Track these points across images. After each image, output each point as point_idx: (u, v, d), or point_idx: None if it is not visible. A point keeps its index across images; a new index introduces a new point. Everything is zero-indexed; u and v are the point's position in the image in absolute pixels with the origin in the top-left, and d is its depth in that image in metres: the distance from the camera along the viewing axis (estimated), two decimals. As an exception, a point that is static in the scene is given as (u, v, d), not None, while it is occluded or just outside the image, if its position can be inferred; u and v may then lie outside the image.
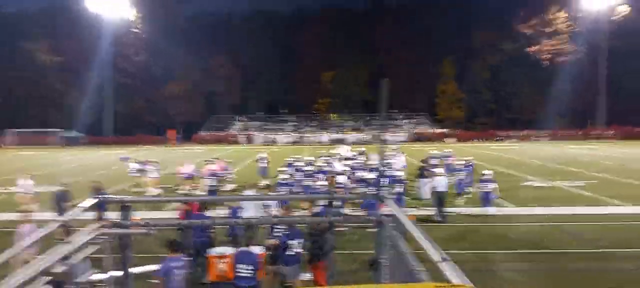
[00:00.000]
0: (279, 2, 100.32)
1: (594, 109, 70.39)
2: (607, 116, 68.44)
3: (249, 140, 67.78)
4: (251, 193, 13.87)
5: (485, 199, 15.81)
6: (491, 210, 15.17)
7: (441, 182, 15.45)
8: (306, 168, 18.81)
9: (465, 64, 76.72)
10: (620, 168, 28.80)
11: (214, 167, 20.60)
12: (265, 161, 23.36)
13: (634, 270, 10.56)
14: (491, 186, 15.86)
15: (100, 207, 12.14)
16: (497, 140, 66.48)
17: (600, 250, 11.92)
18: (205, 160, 21.96)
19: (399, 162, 22.13)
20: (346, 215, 10.68)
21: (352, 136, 65.88)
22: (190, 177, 20.93)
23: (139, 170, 21.99)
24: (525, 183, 23.31)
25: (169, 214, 15.28)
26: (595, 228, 14.12)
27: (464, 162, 19.63)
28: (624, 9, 68.80)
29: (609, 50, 67.71)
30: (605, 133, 64.60)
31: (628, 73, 67.51)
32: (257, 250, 7.91)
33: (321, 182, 15.64)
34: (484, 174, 16.65)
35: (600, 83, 68.41)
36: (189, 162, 22.56)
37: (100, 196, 12.70)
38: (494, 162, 33.58)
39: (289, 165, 19.93)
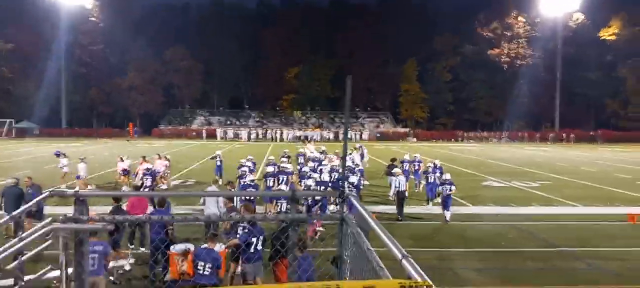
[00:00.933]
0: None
1: (550, 113, 72.79)
2: (561, 119, 70.92)
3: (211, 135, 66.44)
4: (213, 190, 13.67)
5: (446, 203, 16.05)
6: (448, 215, 14.90)
7: (401, 181, 15.62)
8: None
9: (427, 65, 77.90)
10: (573, 170, 29.89)
11: (149, 164, 19.31)
12: (219, 159, 21.84)
13: (587, 268, 10.95)
14: (451, 189, 16.05)
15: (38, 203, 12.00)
16: (457, 140, 67.90)
17: (555, 249, 12.31)
18: (142, 157, 20.74)
19: (357, 157, 22.55)
20: (310, 213, 10.67)
21: (315, 133, 65.89)
22: (126, 173, 20.14)
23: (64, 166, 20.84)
24: (485, 183, 23.87)
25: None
26: (550, 228, 14.60)
27: (431, 165, 18.93)
28: (579, 16, 71.52)
29: (562, 56, 70.22)
30: (559, 135, 66.87)
31: (580, 79, 70.12)
32: (217, 247, 7.81)
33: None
34: (444, 178, 16.94)
35: (554, 87, 70.80)
36: (127, 157, 21.70)
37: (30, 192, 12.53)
38: (454, 162, 34.25)
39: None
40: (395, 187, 15.75)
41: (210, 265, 7.25)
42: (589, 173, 28.55)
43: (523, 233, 13.95)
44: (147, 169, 17.74)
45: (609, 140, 62.88)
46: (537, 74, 70.78)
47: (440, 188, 15.83)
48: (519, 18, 74.53)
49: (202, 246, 7.60)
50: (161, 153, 22.56)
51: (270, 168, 17.41)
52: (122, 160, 20.74)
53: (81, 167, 19.76)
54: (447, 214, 14.95)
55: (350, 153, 23.12)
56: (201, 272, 7.23)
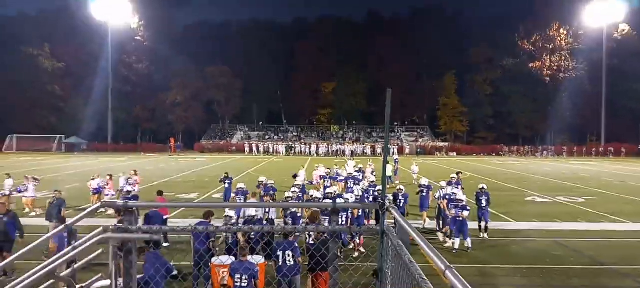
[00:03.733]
0: (277, 11, 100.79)
1: (594, 126, 70.42)
2: (606, 133, 68.46)
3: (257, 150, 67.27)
4: (254, 202, 13.84)
5: (421, 205, 16.00)
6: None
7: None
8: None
9: (465, 78, 76.91)
10: (620, 185, 28.79)
11: (98, 182, 19.44)
12: (228, 182, 19.81)
13: (634, 286, 10.52)
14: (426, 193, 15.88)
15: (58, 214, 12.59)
16: (499, 154, 66.49)
17: (601, 267, 11.87)
18: (109, 175, 20.47)
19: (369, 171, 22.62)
20: (350, 225, 10.69)
21: (352, 147, 65.88)
22: (97, 192, 19.26)
23: (17, 190, 18.48)
24: (528, 199, 23.27)
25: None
26: (597, 245, 14.09)
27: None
28: (624, 27, 69.24)
29: (607, 68, 67.87)
30: (605, 150, 64.59)
31: (626, 91, 67.66)
32: (256, 259, 7.90)
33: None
34: (420, 184, 16.89)
35: (599, 100, 68.40)
36: (98, 175, 20.91)
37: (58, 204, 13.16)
38: (495, 177, 33.55)
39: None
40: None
41: (246, 277, 7.37)
42: (636, 188, 27.41)
43: (568, 250, 13.51)
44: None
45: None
46: (580, 87, 68.68)
47: (453, 210, 13.46)
48: (561, 30, 72.78)
49: (239, 259, 7.72)
50: (131, 171, 21.95)
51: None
52: (93, 178, 20.05)
53: (7, 183, 18.48)
54: (468, 241, 13.19)
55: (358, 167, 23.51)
56: (239, 284, 7.35)
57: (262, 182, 17.43)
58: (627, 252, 13.22)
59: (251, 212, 10.85)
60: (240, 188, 16.38)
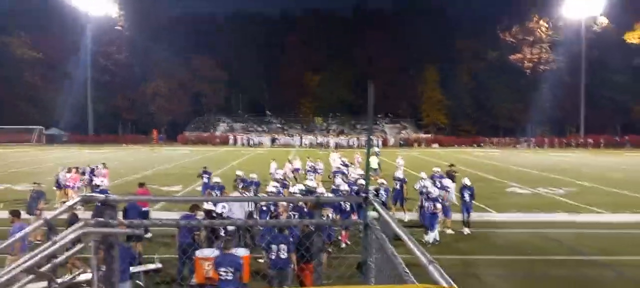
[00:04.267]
0: (263, 3, 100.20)
1: (574, 117, 71.42)
2: (586, 124, 69.49)
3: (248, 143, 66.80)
4: (238, 195, 13.79)
5: (395, 199, 16.17)
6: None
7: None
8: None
9: (448, 70, 77.37)
10: (599, 177, 29.31)
11: (68, 175, 18.27)
12: (206, 177, 18.86)
13: (615, 277, 10.75)
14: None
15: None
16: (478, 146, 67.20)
17: (581, 257, 12.11)
18: (75, 168, 19.33)
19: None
20: (334, 219, 10.71)
21: (337, 139, 66.05)
22: (61, 186, 18.17)
23: None
24: (509, 190, 23.58)
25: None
26: (576, 235, 14.35)
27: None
28: (603, 20, 70.23)
29: (587, 60, 68.73)
30: (585, 141, 65.62)
31: (605, 83, 68.72)
32: (240, 252, 7.90)
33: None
34: (395, 177, 17.02)
35: (579, 92, 69.28)
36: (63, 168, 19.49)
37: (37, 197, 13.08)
38: (476, 167, 33.92)
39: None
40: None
41: (232, 270, 7.37)
42: (615, 179, 27.94)
43: (549, 240, 13.74)
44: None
45: (635, 146, 61.48)
46: (560, 79, 69.52)
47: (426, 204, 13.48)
48: (541, 22, 73.55)
49: (224, 251, 7.71)
50: (99, 164, 21.24)
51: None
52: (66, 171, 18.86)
53: None
54: (431, 235, 13.08)
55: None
56: (223, 277, 7.36)
57: (239, 175, 17.09)
58: (606, 243, 13.49)
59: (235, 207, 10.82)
60: (216, 182, 16.25)
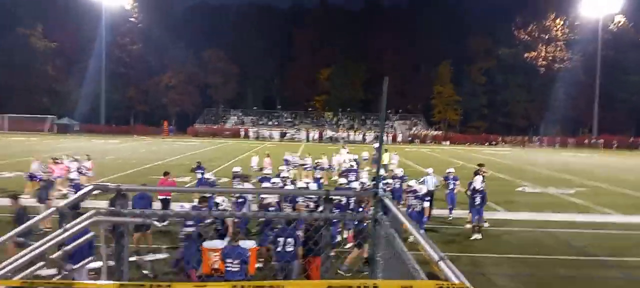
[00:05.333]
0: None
1: (588, 117, 70.63)
2: (600, 125, 68.71)
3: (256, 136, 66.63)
4: (248, 186, 13.84)
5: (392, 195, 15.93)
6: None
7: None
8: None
9: (461, 68, 76.88)
10: (612, 177, 29.02)
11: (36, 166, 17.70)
12: (201, 172, 18.41)
13: (623, 278, 10.64)
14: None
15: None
16: (490, 144, 66.74)
17: (588, 258, 12.01)
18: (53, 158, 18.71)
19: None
20: (342, 212, 10.67)
21: (347, 135, 65.96)
22: (34, 178, 17.29)
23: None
24: (520, 189, 23.41)
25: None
26: (586, 236, 14.22)
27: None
28: (620, 19, 69.20)
29: (602, 59, 67.82)
30: (598, 141, 64.90)
31: (621, 83, 67.85)
32: (247, 244, 7.93)
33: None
34: (394, 175, 16.84)
35: (593, 92, 68.44)
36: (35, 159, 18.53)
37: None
38: (487, 166, 33.68)
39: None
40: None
41: (237, 262, 7.42)
42: (627, 180, 27.64)
43: (558, 240, 13.63)
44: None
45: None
46: (575, 78, 68.76)
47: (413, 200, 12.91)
48: (557, 21, 72.73)
49: (231, 244, 7.75)
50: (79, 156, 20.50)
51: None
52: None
53: None
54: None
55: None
56: (230, 268, 7.41)
57: (237, 172, 16.60)
58: (615, 244, 13.37)
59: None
60: (207, 179, 16.20)
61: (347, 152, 26.62)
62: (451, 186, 16.07)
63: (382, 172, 22.91)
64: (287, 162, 21.47)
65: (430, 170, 16.85)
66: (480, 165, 18.37)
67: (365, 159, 26.84)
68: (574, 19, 71.18)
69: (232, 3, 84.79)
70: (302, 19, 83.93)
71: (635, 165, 39.16)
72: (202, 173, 18.03)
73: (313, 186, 15.60)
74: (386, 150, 26.79)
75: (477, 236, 13.36)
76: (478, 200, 13.75)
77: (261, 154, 25.18)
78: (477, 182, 14.26)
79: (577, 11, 68.87)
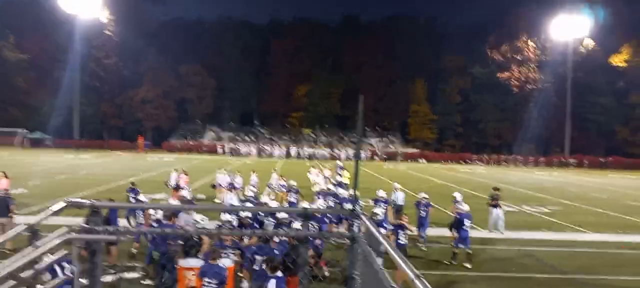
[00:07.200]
0: (252, 12, 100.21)
1: (560, 138, 72.15)
2: (571, 145, 70.25)
3: (234, 152, 65.47)
4: (216, 203, 13.69)
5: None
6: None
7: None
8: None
9: (436, 86, 77.90)
10: (583, 196, 29.61)
11: None
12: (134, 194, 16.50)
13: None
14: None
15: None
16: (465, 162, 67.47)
17: (562, 276, 12.18)
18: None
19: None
20: (321, 230, 10.64)
21: (324, 151, 65.96)
22: None
23: None
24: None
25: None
26: (559, 254, 14.45)
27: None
28: (589, 43, 71.26)
29: (573, 81, 69.63)
30: (570, 161, 66.23)
31: (591, 105, 69.72)
32: (225, 263, 7.82)
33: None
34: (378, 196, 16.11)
35: (565, 113, 69.98)
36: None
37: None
38: (462, 184, 34.05)
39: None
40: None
41: (215, 281, 7.29)
42: (599, 199, 28.27)
43: (532, 259, 13.82)
44: None
45: (619, 167, 62.25)
46: (547, 99, 70.37)
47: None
48: (529, 42, 74.41)
49: (208, 262, 7.63)
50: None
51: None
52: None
53: None
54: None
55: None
56: (207, 287, 7.27)
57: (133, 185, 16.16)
58: (588, 262, 13.61)
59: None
60: (140, 201, 15.31)
61: (317, 173, 26.29)
62: (422, 213, 14.86)
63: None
64: (270, 186, 21.33)
65: (396, 184, 17.04)
66: (495, 188, 18.17)
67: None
68: (544, 41, 72.94)
69: (210, 17, 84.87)
70: (279, 34, 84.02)
71: (606, 184, 40.08)
72: (135, 197, 15.99)
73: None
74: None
75: (468, 265, 12.61)
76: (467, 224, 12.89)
77: (179, 170, 24.28)
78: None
79: (548, 33, 70.60)
